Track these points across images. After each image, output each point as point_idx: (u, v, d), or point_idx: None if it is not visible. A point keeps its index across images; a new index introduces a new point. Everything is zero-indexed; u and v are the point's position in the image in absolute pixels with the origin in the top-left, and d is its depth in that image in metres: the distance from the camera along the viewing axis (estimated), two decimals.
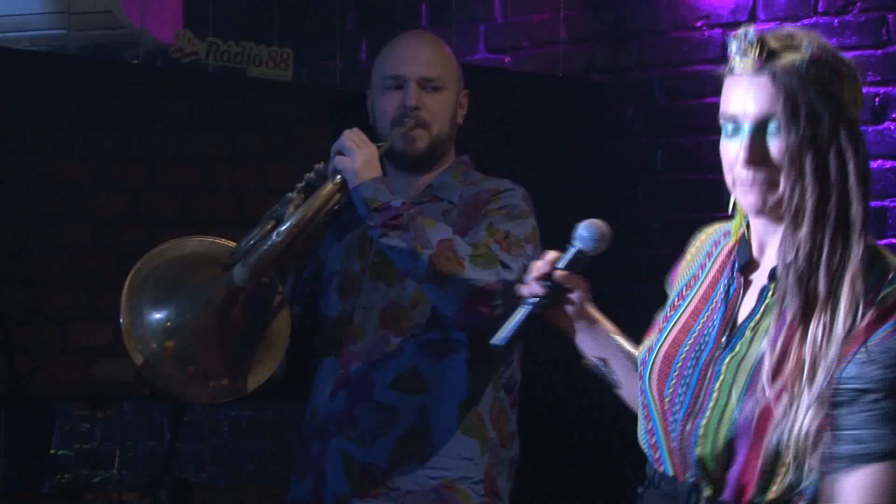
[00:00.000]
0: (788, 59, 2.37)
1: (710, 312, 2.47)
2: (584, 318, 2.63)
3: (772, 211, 2.38)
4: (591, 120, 4.98)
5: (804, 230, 2.34)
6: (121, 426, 5.78)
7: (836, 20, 4.81)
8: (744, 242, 2.49)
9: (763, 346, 2.34)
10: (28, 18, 4.79)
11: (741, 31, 2.40)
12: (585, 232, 2.58)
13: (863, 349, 2.27)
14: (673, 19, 5.10)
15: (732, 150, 2.40)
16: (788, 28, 2.43)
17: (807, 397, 2.28)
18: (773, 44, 2.38)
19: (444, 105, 3.55)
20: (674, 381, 2.44)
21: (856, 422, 2.30)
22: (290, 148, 4.81)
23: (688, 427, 2.40)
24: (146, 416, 5.89)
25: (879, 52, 4.74)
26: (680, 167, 4.96)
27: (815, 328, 2.30)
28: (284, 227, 3.27)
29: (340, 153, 3.37)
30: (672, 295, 2.59)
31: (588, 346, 2.66)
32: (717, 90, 5.16)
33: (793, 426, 2.28)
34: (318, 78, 5.65)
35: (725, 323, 2.44)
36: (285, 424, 5.74)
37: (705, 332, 2.45)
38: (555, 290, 2.58)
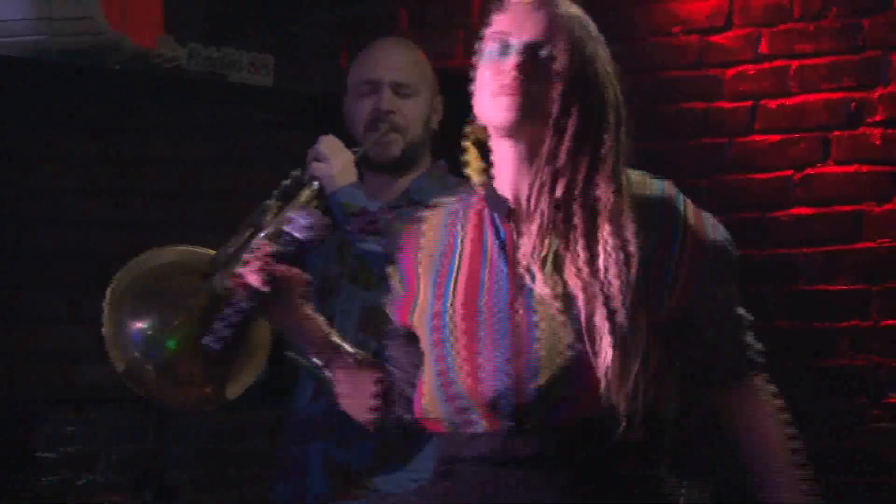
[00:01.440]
0: (567, 3, 2.53)
1: (490, 264, 2.48)
2: (298, 313, 2.62)
3: (523, 129, 2.43)
4: None
5: (561, 159, 2.43)
6: (105, 429, 5.76)
7: (812, 25, 4.81)
8: (493, 192, 2.51)
9: (566, 279, 2.40)
10: (9, 24, 4.77)
11: None
12: (303, 221, 2.54)
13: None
14: (650, 25, 5.10)
15: (496, 68, 2.46)
16: None
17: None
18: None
19: (417, 110, 3.55)
20: (485, 334, 2.44)
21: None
22: (271, 152, 4.81)
23: (518, 366, 2.39)
24: (130, 419, 5.87)
25: (855, 57, 4.74)
26: (656, 170, 4.95)
27: (606, 261, 2.39)
28: (262, 235, 3.27)
29: (316, 160, 3.36)
30: (418, 275, 2.58)
31: (304, 341, 2.65)
32: (692, 95, 5.18)
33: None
34: (297, 83, 5.64)
35: (513, 267, 2.45)
36: (267, 427, 5.72)
37: (496, 282, 2.46)
38: (273, 284, 2.53)
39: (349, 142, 3.47)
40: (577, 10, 2.54)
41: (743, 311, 2.56)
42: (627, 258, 2.40)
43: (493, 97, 2.45)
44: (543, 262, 2.43)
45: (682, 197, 2.54)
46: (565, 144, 2.43)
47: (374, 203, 3.35)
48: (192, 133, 4.90)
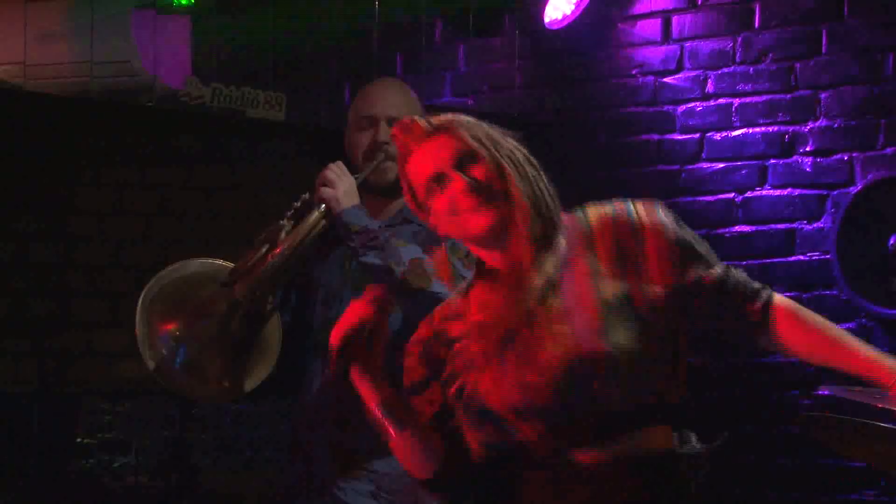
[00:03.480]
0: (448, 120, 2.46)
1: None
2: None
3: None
4: (542, 154, 4.98)
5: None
6: (137, 418, 5.74)
7: (751, 68, 4.81)
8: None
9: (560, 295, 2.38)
10: (56, 67, 4.76)
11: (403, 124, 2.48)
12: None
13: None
14: (611, 68, 5.10)
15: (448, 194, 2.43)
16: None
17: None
18: (434, 122, 2.47)
19: None
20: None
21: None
22: (283, 179, 4.79)
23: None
24: (159, 410, 5.85)
25: (788, 95, 4.74)
26: (617, 196, 4.94)
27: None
28: (277, 250, 3.26)
29: (324, 184, 3.35)
30: None
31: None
32: (649, 128, 5.19)
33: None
34: (307, 118, 5.63)
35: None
36: (280, 416, 5.70)
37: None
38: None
39: (350, 169, 3.46)
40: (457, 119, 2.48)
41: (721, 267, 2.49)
42: (598, 274, 2.39)
43: (458, 222, 2.44)
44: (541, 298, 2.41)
45: (630, 203, 2.50)
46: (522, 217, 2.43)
47: (375, 222, 3.35)
48: (215, 161, 4.89)
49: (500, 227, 2.43)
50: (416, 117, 2.48)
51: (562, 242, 2.45)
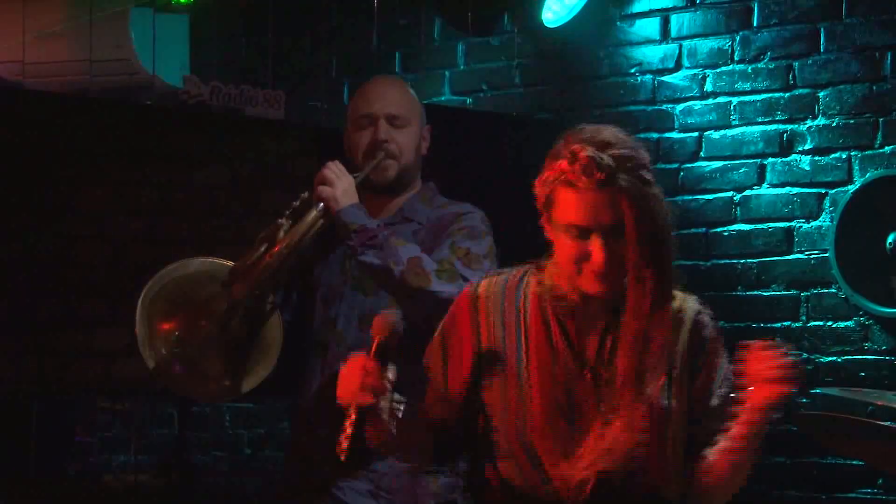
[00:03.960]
0: (625, 176, 2.40)
1: (557, 359, 2.50)
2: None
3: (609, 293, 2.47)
4: (540, 153, 4.98)
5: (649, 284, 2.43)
6: (136, 416, 5.75)
7: (749, 67, 4.82)
8: (556, 289, 2.52)
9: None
10: (55, 65, 4.77)
11: (576, 152, 2.41)
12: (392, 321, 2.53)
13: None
14: (610, 66, 5.11)
15: (578, 248, 2.43)
16: (609, 136, 2.44)
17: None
18: (608, 162, 2.39)
19: (409, 139, 3.53)
20: (564, 424, 2.48)
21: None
22: (283, 177, 4.79)
23: (594, 450, 2.44)
24: (158, 408, 5.86)
25: (786, 94, 4.75)
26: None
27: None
28: (276, 249, 3.26)
29: (322, 183, 3.35)
30: (478, 349, 2.56)
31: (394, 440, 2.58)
32: (648, 127, 5.19)
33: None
34: (306, 117, 5.63)
35: (579, 361, 2.49)
36: (279, 415, 5.71)
37: (565, 374, 2.48)
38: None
39: (349, 168, 3.46)
40: (629, 175, 2.43)
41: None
42: (669, 360, 2.46)
43: (578, 272, 2.44)
44: (607, 362, 2.47)
45: (710, 320, 2.57)
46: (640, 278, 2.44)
47: (373, 221, 3.35)
48: (214, 160, 4.89)
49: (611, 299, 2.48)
50: (603, 157, 2.40)
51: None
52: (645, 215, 2.40)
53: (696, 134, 4.90)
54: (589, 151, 2.39)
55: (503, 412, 2.52)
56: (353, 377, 2.47)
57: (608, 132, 2.44)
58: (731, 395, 2.55)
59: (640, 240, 2.39)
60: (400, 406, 2.53)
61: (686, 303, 2.56)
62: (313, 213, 3.33)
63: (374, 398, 2.46)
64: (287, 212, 3.34)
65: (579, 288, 2.47)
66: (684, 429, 2.50)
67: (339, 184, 3.34)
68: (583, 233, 2.41)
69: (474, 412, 2.59)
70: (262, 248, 3.28)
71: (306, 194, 3.37)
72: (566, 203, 2.42)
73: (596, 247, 2.41)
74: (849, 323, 4.61)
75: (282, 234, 3.28)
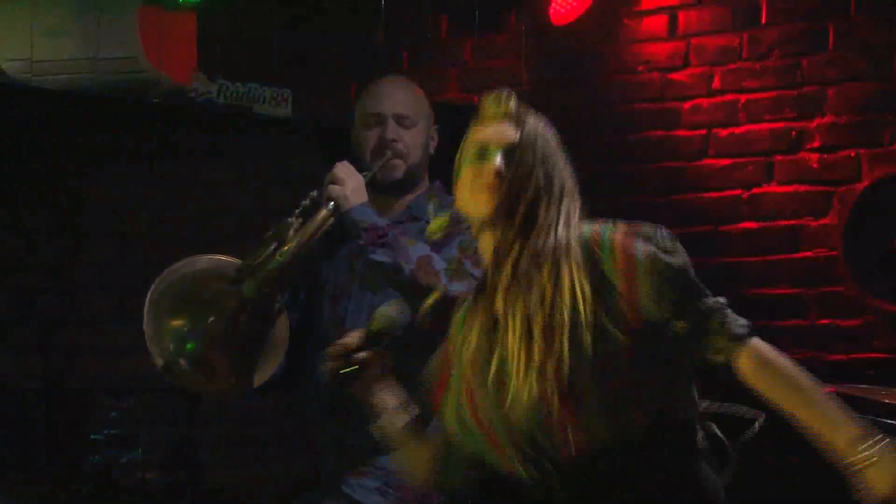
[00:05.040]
0: (531, 117, 2.63)
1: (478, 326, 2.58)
2: (372, 388, 2.68)
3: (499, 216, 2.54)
4: None
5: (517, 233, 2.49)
6: (144, 414, 5.75)
7: (758, 64, 4.82)
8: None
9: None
10: (63, 63, 4.77)
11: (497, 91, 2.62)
12: (393, 313, 2.63)
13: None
14: (618, 65, 5.11)
15: (477, 170, 2.55)
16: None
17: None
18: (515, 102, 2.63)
19: (417, 138, 3.53)
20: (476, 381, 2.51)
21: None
22: (289, 175, 4.80)
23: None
24: (166, 406, 5.85)
25: (795, 92, 4.75)
26: (623, 192, 4.96)
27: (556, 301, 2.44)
28: (286, 247, 3.26)
29: (332, 182, 3.36)
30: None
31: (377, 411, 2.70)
32: (656, 125, 5.19)
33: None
34: (312, 115, 5.64)
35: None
36: (286, 412, 5.71)
37: (480, 335, 2.55)
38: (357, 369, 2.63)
39: (357, 166, 3.46)
40: (540, 123, 2.64)
41: (711, 301, 2.51)
42: (574, 298, 2.41)
43: (472, 195, 2.54)
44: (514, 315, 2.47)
45: (608, 229, 2.52)
46: (519, 222, 2.50)
47: (383, 220, 3.35)
48: (222, 157, 4.89)
49: (495, 218, 2.51)
50: (513, 96, 2.64)
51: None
52: (529, 146, 2.55)
53: (703, 132, 4.90)
54: (500, 90, 2.63)
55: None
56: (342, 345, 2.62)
57: None
58: (716, 303, 2.48)
59: (528, 174, 2.50)
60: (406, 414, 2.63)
61: (583, 232, 2.52)
62: (323, 212, 3.33)
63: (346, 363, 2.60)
64: (296, 210, 3.34)
65: (472, 214, 2.57)
66: (641, 359, 2.41)
67: (350, 182, 3.35)
68: (481, 153, 2.55)
69: None
70: (272, 247, 3.28)
71: (315, 193, 3.37)
72: (473, 133, 2.60)
73: (491, 163, 2.53)
74: (856, 321, 4.61)
75: (291, 232, 3.29)
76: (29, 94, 4.74)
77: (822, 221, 4.68)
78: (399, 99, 3.55)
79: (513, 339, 2.43)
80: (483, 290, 2.56)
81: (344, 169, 3.38)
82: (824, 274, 4.67)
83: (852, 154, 4.63)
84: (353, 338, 2.64)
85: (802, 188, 4.71)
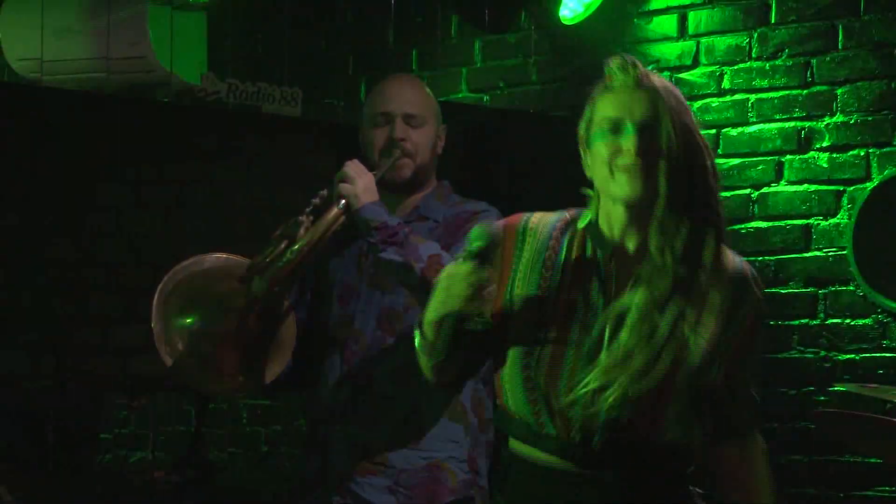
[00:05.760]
0: (659, 81, 2.48)
1: (585, 295, 2.49)
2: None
3: (642, 199, 2.44)
4: (557, 149, 4.97)
5: (683, 221, 2.43)
6: (153, 413, 5.76)
7: (767, 64, 4.82)
8: (600, 232, 2.51)
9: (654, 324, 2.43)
10: (72, 63, 4.78)
11: (619, 56, 2.49)
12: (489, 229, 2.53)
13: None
14: None
15: (612, 146, 2.45)
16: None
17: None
18: (643, 69, 2.48)
19: (425, 137, 3.53)
20: (573, 351, 2.47)
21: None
22: (299, 174, 4.80)
23: (594, 385, 2.43)
24: (175, 405, 5.87)
25: (804, 91, 4.75)
26: None
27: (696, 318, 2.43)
28: (297, 246, 3.26)
29: (343, 181, 3.36)
30: (521, 271, 2.55)
31: None
32: None
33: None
34: (323, 114, 5.64)
35: (608, 304, 2.47)
36: (295, 411, 5.72)
37: (590, 312, 2.48)
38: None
39: (365, 165, 3.46)
40: (669, 86, 2.50)
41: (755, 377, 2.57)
42: (710, 320, 2.43)
43: (611, 175, 2.46)
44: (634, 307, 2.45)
45: (754, 277, 2.55)
46: (672, 213, 2.44)
47: (394, 219, 3.35)
48: (231, 157, 4.90)
49: (641, 206, 2.45)
50: (639, 63, 2.49)
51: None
52: (678, 122, 2.43)
53: (713, 131, 4.90)
54: (624, 56, 2.49)
55: (523, 318, 2.51)
56: (456, 284, 2.46)
57: None
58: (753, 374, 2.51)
59: (675, 151, 2.41)
60: None
61: (734, 262, 2.52)
62: (334, 211, 3.33)
63: (481, 304, 2.48)
64: (307, 209, 3.34)
65: (612, 194, 2.46)
66: (710, 380, 2.46)
67: (360, 181, 3.35)
68: (615, 127, 2.45)
69: (497, 336, 2.57)
70: (282, 245, 3.28)
71: (325, 192, 3.37)
72: (602, 105, 2.49)
73: (628, 140, 2.43)
74: (867, 320, 4.60)
75: (302, 231, 3.29)
76: (38, 93, 4.74)
77: (832, 220, 4.67)
78: (407, 98, 3.55)
79: (622, 326, 2.42)
80: (603, 256, 2.50)
81: (354, 167, 3.37)
82: (834, 273, 4.66)
83: (862, 153, 4.63)
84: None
85: (812, 187, 4.71)
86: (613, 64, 2.49)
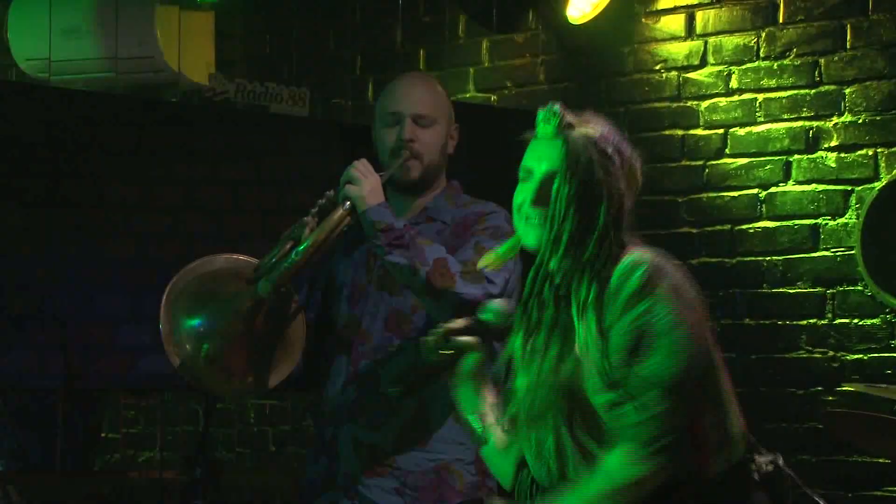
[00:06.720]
0: (582, 131, 2.53)
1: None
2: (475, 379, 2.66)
3: (537, 249, 2.50)
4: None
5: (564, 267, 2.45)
6: (161, 413, 5.77)
7: (775, 64, 4.81)
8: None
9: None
10: (82, 63, 4.79)
11: (548, 105, 2.55)
12: (495, 305, 2.64)
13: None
14: (635, 63, 5.10)
15: (522, 194, 2.51)
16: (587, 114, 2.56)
17: None
18: (572, 118, 2.55)
19: (435, 138, 3.52)
20: None
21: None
22: (307, 174, 4.80)
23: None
24: (183, 404, 5.88)
25: (812, 90, 4.74)
26: (641, 191, 4.94)
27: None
28: (302, 247, 3.25)
29: (349, 182, 3.34)
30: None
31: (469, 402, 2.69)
32: (672, 124, 5.19)
33: None
34: (330, 114, 5.65)
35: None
36: (303, 412, 5.73)
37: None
38: (455, 353, 2.62)
39: (377, 165, 3.46)
40: (594, 135, 2.54)
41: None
42: (593, 343, 2.41)
43: (518, 220, 2.52)
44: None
45: (637, 274, 2.43)
46: (559, 253, 2.46)
47: (400, 221, 3.34)
48: (239, 157, 4.90)
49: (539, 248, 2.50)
50: (562, 111, 2.56)
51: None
52: (581, 173, 2.46)
53: (721, 131, 4.89)
54: (553, 106, 2.55)
55: None
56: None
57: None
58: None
59: (569, 201, 2.44)
60: None
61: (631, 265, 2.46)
62: (340, 212, 3.32)
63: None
64: (313, 210, 3.34)
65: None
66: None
67: (367, 182, 3.33)
68: (526, 176, 2.52)
69: None
70: (288, 246, 3.28)
71: (332, 193, 3.36)
72: (526, 153, 2.57)
73: (529, 190, 2.50)
74: (875, 320, 4.59)
75: (307, 231, 3.28)
76: (47, 93, 4.75)
77: (840, 220, 4.66)
78: (417, 98, 3.53)
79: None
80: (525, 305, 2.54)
81: (361, 168, 3.36)
82: (842, 273, 4.66)
83: (870, 153, 4.62)
84: (458, 322, 2.63)
85: (820, 187, 4.70)
86: (540, 113, 2.56)
